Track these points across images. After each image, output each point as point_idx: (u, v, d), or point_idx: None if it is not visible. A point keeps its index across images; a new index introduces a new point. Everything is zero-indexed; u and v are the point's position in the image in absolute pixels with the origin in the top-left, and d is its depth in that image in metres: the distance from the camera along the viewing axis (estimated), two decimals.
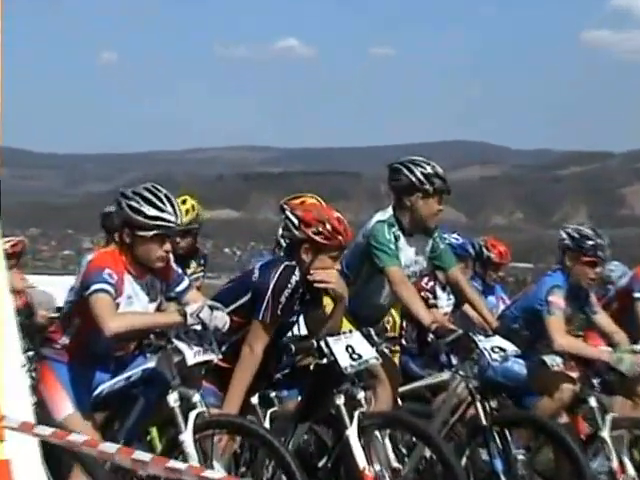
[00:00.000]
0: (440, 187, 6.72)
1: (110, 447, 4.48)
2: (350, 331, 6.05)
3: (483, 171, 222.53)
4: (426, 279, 8.76)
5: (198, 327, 5.40)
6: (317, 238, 5.78)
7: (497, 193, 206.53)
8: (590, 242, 7.01)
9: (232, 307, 5.74)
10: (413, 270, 6.89)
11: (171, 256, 5.80)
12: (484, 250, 9.41)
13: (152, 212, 5.51)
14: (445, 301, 9.00)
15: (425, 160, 6.78)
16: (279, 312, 5.71)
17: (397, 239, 6.68)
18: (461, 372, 6.58)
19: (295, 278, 5.74)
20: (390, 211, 6.81)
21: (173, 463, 4.21)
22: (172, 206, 5.58)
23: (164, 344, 5.38)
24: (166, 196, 5.60)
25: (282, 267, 5.75)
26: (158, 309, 5.74)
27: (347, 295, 6.02)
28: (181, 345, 5.35)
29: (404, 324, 8.76)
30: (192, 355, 5.34)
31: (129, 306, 5.53)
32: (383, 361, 6.27)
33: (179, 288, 5.77)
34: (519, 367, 7.09)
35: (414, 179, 6.68)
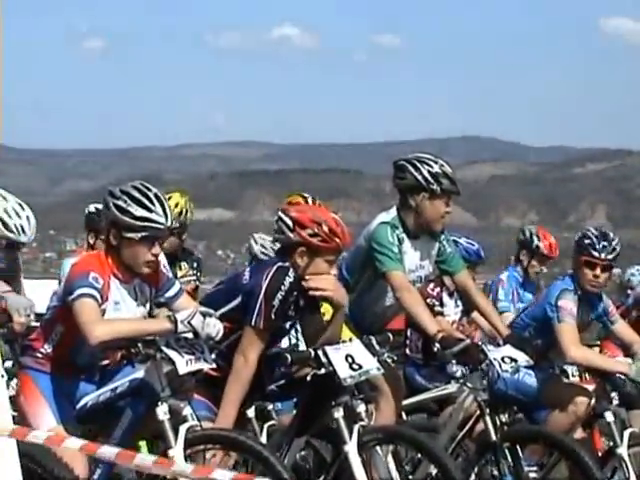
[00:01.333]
0: (448, 188, 6.72)
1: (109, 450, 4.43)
2: (350, 340, 6.06)
3: (494, 169, 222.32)
4: (432, 285, 8.78)
5: (189, 335, 5.41)
6: (313, 241, 5.78)
7: (509, 193, 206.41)
8: (587, 241, 7.05)
9: (221, 312, 5.73)
10: (418, 275, 6.89)
11: (163, 259, 5.80)
12: (534, 238, 9.31)
13: (140, 213, 5.51)
14: (452, 308, 9.01)
15: (433, 158, 6.75)
16: (273, 316, 5.71)
17: (401, 242, 6.68)
18: (469, 384, 6.59)
19: (289, 280, 5.74)
20: (394, 212, 6.80)
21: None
22: (162, 207, 5.57)
23: (153, 353, 5.39)
24: (156, 196, 5.59)
25: (274, 268, 5.75)
26: (148, 315, 5.75)
27: (346, 302, 6.02)
28: (172, 353, 5.35)
29: (408, 333, 8.80)
30: (184, 363, 5.34)
31: (116, 312, 5.53)
32: (386, 372, 6.28)
33: (169, 293, 5.76)
34: (531, 379, 7.10)
35: (420, 178, 6.67)
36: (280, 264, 5.79)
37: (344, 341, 5.97)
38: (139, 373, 5.50)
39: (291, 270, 5.77)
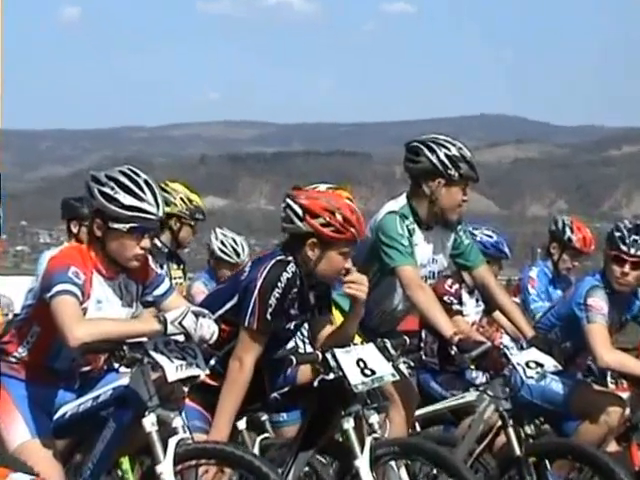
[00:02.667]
0: (467, 173, 6.71)
1: None
2: (362, 343, 6.06)
3: (519, 151, 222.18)
4: (450, 281, 8.78)
5: (181, 337, 5.40)
6: (325, 231, 5.78)
7: (535, 178, 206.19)
8: (617, 234, 7.09)
9: (219, 313, 5.74)
10: (430, 270, 6.89)
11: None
12: (567, 230, 9.36)
13: (129, 201, 5.48)
14: (472, 307, 9.01)
15: (450, 140, 6.75)
16: (268, 317, 5.70)
17: (411, 234, 6.67)
18: (490, 392, 6.58)
19: (287, 275, 5.73)
20: (403, 200, 6.80)
21: None
22: (153, 195, 5.55)
23: (140, 357, 5.37)
24: (146, 182, 5.56)
25: (272, 263, 5.75)
26: (134, 316, 5.74)
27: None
28: (160, 358, 5.32)
29: (423, 335, 8.81)
30: (173, 370, 5.31)
31: (98, 312, 5.50)
32: (398, 379, 6.29)
33: (158, 291, 5.75)
34: (559, 386, 7.09)
35: (436, 162, 6.66)
36: (279, 258, 5.79)
37: (355, 344, 5.96)
38: (124, 380, 5.49)
39: (291, 265, 5.77)
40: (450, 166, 6.68)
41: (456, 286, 8.79)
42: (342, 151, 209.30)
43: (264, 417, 6.90)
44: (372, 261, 6.72)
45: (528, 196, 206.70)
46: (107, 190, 5.51)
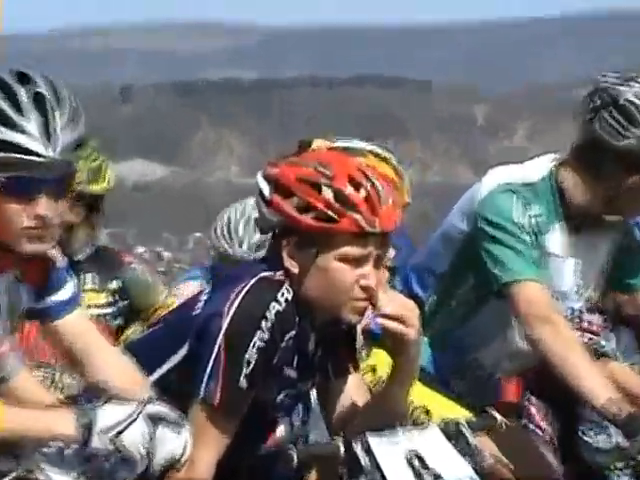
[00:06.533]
0: None
1: None
2: (421, 420, 6.25)
3: None
4: (586, 310, 8.81)
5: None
6: (303, 218, 5.65)
7: None
8: None
9: (161, 372, 5.80)
10: (570, 307, 7.12)
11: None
12: None
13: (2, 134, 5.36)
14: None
15: None
16: (243, 383, 5.67)
17: (541, 231, 6.78)
18: None
19: (277, 307, 5.65)
20: (542, 169, 6.93)
21: None
22: (44, 116, 5.37)
23: (23, 473, 5.32)
24: (35, 96, 5.37)
25: (250, 284, 5.69)
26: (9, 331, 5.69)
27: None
28: (53, 476, 5.29)
29: (532, 408, 8.85)
30: None
31: None
32: None
33: (58, 296, 5.66)
34: None
35: None
36: (262, 275, 5.76)
37: (404, 425, 5.95)
38: None
39: (285, 288, 5.73)
40: None
41: (596, 317, 8.78)
42: (379, 76, 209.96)
43: None
44: (461, 271, 6.92)
45: None
46: None
